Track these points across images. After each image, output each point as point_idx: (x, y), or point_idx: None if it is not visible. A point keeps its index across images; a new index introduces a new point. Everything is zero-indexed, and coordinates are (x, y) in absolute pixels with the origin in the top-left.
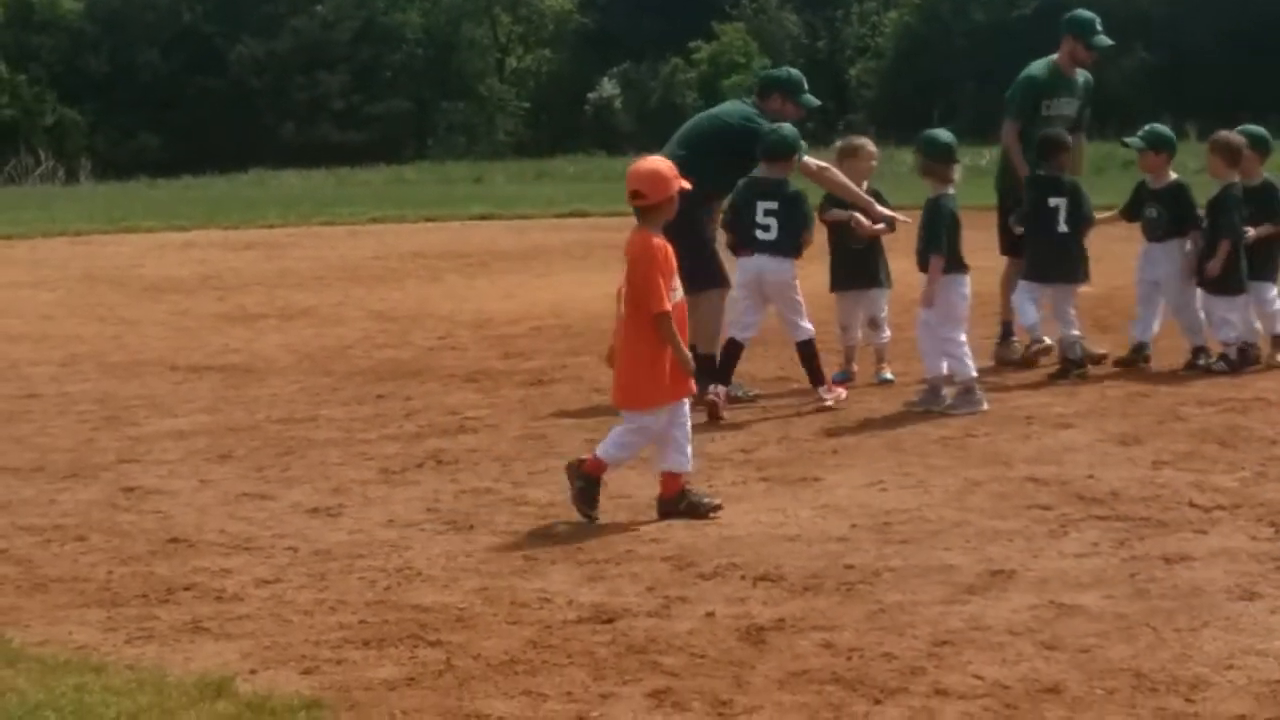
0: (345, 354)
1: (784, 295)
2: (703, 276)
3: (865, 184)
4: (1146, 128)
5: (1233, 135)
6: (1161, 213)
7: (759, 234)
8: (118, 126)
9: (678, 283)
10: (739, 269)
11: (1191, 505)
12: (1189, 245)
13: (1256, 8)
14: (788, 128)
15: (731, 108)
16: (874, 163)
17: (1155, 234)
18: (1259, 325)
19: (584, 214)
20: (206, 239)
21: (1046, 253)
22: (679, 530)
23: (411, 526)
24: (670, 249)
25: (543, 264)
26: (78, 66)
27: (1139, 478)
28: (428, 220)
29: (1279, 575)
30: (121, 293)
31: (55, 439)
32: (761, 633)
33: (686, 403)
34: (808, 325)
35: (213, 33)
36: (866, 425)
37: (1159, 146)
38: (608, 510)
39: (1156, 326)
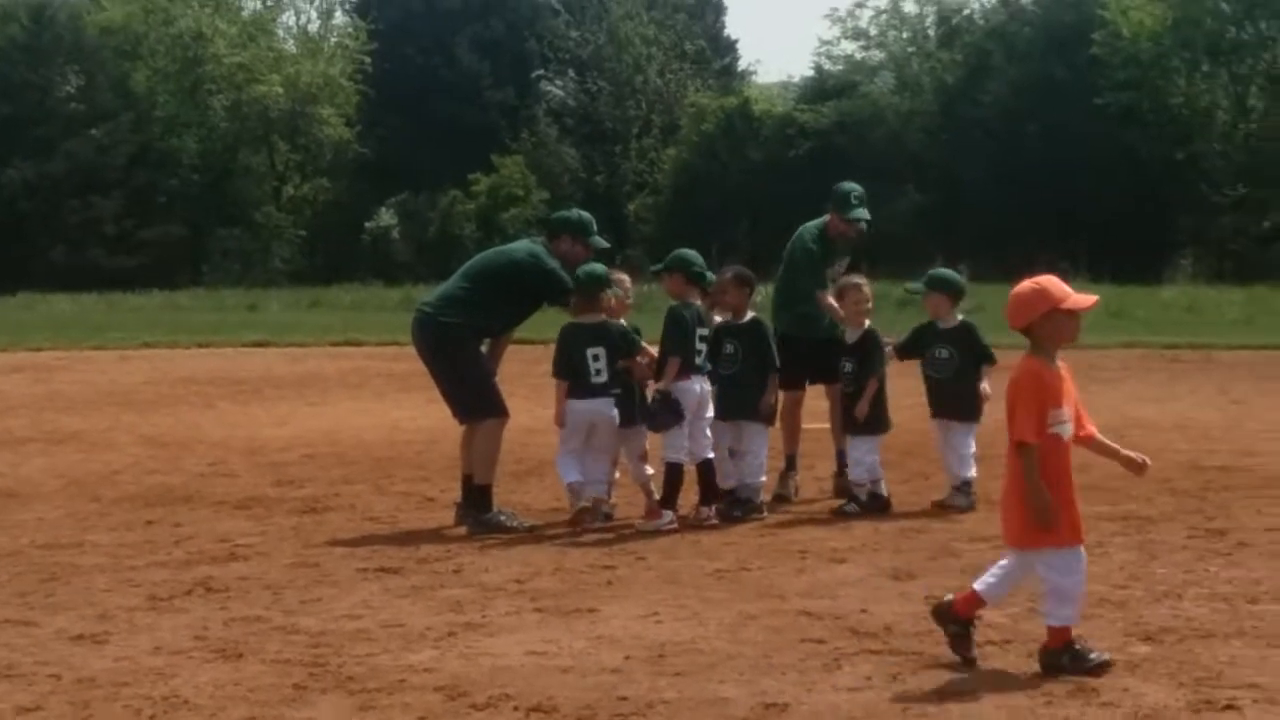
0: (114, 479)
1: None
2: (480, 407)
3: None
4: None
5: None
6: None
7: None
8: None
9: (1068, 415)
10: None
11: None
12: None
13: (1025, 148)
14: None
15: (522, 246)
16: (628, 295)
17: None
18: (953, 466)
19: (359, 343)
20: None
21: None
22: (451, 660)
23: (179, 654)
24: (1062, 379)
25: (317, 392)
26: None
27: (912, 613)
28: (201, 346)
29: (1048, 710)
30: None
31: None
32: None
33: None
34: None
35: None
36: (642, 557)
37: None
38: (379, 638)
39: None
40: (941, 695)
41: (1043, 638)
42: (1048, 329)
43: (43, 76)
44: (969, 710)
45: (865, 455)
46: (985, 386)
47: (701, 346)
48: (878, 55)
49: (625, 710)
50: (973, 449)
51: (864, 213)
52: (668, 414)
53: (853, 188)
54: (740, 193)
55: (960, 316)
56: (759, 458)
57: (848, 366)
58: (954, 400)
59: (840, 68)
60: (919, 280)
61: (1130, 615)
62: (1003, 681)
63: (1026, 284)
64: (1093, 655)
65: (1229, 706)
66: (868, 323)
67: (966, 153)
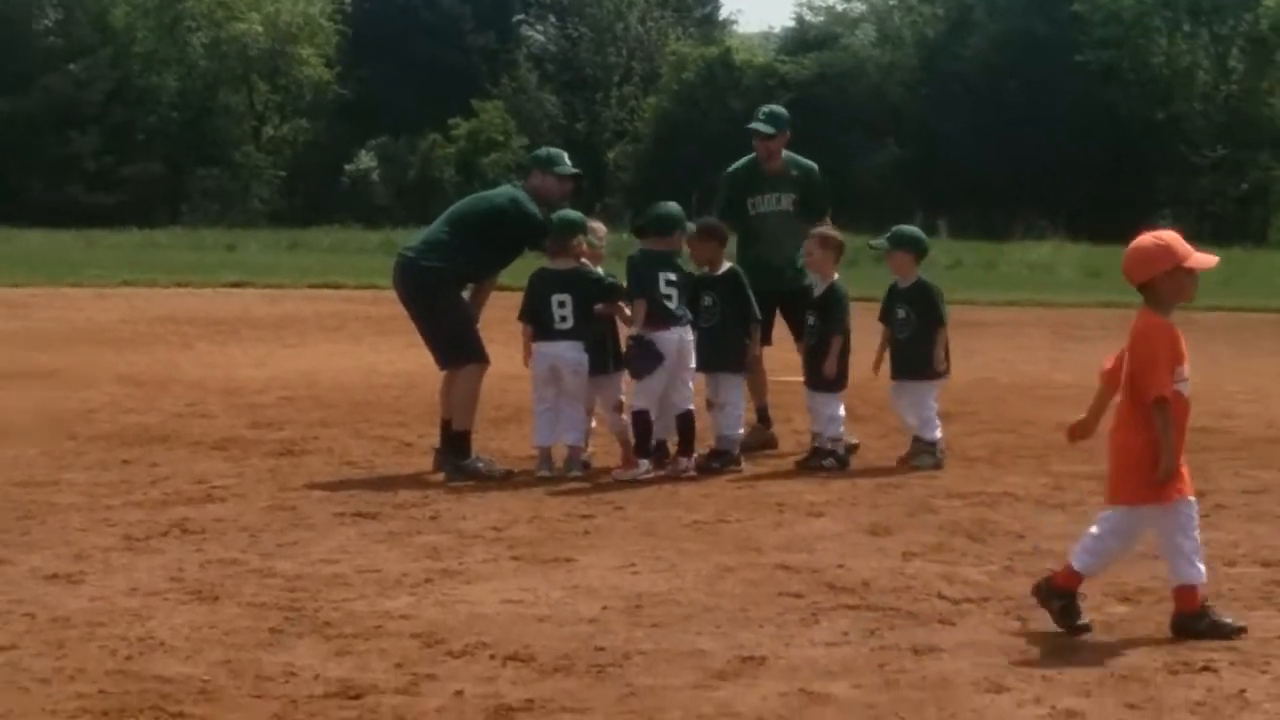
0: (90, 418)
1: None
2: (460, 352)
3: (600, 266)
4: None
5: (834, 231)
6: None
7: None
8: None
9: (1187, 373)
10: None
11: (940, 597)
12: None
13: (1005, 104)
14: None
15: (504, 191)
16: (601, 242)
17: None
18: (911, 423)
19: (338, 285)
20: None
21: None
22: (428, 607)
23: (155, 595)
24: (1179, 334)
25: (295, 334)
26: None
27: (889, 568)
28: (179, 286)
29: (1026, 668)
30: None
31: None
32: (511, 713)
33: (1195, 508)
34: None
35: None
36: (620, 507)
37: None
38: (356, 583)
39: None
40: (918, 651)
41: (1018, 594)
42: (1169, 286)
43: (19, 9)
44: (946, 667)
45: (837, 411)
46: (940, 353)
47: (670, 291)
48: (859, 7)
49: (602, 660)
50: (934, 409)
51: (755, 124)
52: (647, 358)
53: (767, 105)
54: (720, 142)
55: (920, 275)
56: (737, 409)
57: (810, 320)
58: (911, 361)
59: (821, 19)
60: (883, 237)
61: (1108, 575)
62: (980, 638)
63: (1148, 239)
64: (1080, 619)
65: (1205, 668)
66: (837, 275)
67: (946, 107)
